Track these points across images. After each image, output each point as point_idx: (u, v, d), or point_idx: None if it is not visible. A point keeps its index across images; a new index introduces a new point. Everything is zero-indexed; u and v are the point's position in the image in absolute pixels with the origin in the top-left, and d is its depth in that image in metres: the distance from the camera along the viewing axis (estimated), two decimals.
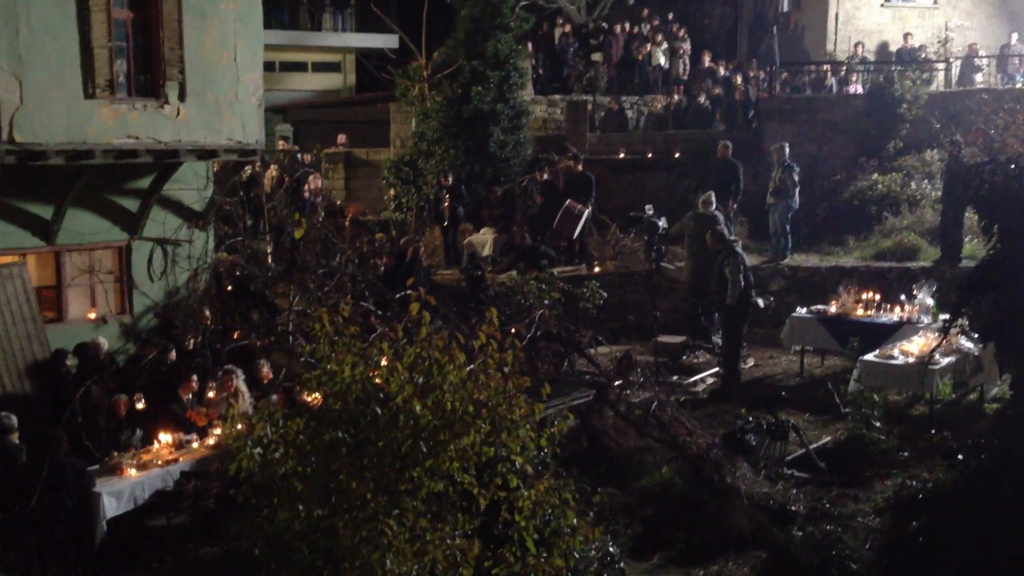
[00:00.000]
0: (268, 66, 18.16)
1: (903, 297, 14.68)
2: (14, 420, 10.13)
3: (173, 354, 12.55)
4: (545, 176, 18.53)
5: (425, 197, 19.59)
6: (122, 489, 9.98)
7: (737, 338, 14.25)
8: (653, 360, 14.74)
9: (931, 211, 18.14)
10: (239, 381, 11.75)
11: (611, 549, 9.03)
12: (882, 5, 25.05)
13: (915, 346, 12.88)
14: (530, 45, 22.94)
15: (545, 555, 7.14)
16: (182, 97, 13.43)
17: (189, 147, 13.58)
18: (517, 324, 12.92)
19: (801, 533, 9.69)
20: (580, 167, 18.48)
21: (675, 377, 14.64)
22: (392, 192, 20.26)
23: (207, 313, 13.92)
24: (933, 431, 11.87)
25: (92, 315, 13.98)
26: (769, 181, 17.62)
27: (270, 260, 13.97)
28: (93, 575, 9.61)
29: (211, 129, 13.83)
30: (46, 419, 11.02)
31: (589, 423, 11.90)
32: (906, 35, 23.43)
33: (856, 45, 23.39)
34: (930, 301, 14.17)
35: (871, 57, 23.75)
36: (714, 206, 15.83)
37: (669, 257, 17.12)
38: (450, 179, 18.54)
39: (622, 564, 9.10)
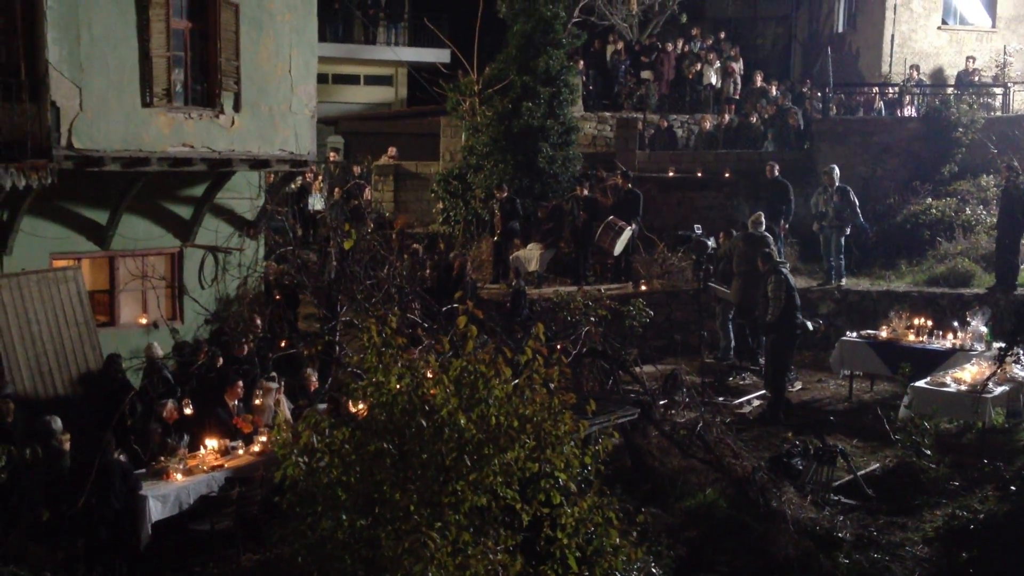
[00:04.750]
0: (321, 78, 18.36)
1: (956, 324, 14.45)
2: (59, 423, 10.26)
3: (220, 360, 12.67)
4: (586, 192, 18.48)
5: (473, 211, 19.63)
6: (168, 493, 10.08)
7: (785, 361, 14.11)
8: (699, 380, 14.62)
9: (986, 237, 17.86)
10: (281, 392, 11.91)
11: (654, 570, 8.95)
12: (939, 28, 24.73)
13: (968, 374, 12.65)
14: (581, 62, 22.95)
15: (587, 573, 7.10)
16: (237, 107, 13.61)
17: (242, 157, 13.75)
18: (563, 340, 12.87)
19: (848, 561, 9.54)
20: (628, 184, 18.43)
21: (721, 398, 14.49)
22: (440, 205, 20.35)
23: (258, 321, 14.05)
24: (985, 460, 11.64)
25: (143, 320, 14.17)
26: (823, 204, 17.43)
27: (332, 267, 14.03)
28: None
29: (264, 139, 13.99)
30: (97, 422, 11.15)
31: (633, 442, 11.83)
32: (969, 58, 23.13)
33: (911, 68, 23.13)
34: (984, 328, 13.93)
35: (927, 80, 23.47)
36: (764, 226, 15.71)
37: (717, 277, 17.00)
38: (504, 193, 18.51)
39: None
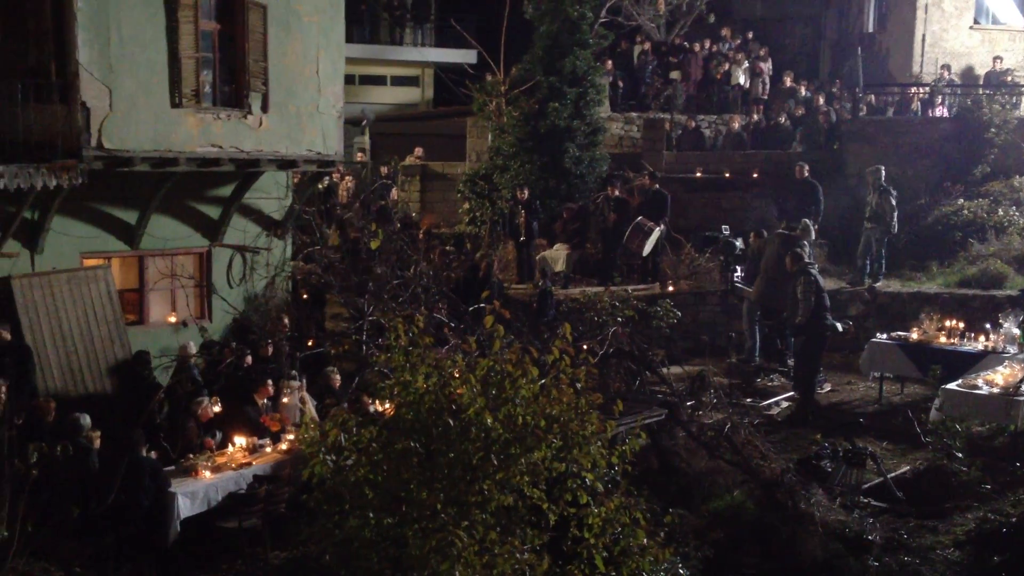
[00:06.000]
0: (348, 79, 18.38)
1: (988, 326, 14.30)
2: (88, 420, 10.33)
3: (249, 359, 12.74)
4: (616, 192, 18.45)
5: (499, 211, 19.63)
6: (196, 490, 10.12)
7: (814, 362, 14.01)
8: (727, 381, 14.54)
9: (1019, 238, 17.71)
10: (304, 391, 11.97)
11: (681, 571, 8.89)
12: (971, 27, 24.46)
13: (1000, 376, 12.51)
14: (609, 62, 22.89)
15: (614, 574, 7.06)
16: (265, 108, 13.67)
17: (270, 157, 13.81)
18: (590, 340, 12.84)
19: (877, 564, 9.45)
20: (655, 185, 18.37)
21: (749, 399, 14.41)
22: (466, 205, 20.35)
23: (285, 320, 14.11)
24: (1017, 463, 11.51)
25: (172, 319, 14.26)
26: (863, 205, 17.29)
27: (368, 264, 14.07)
28: (165, 573, 9.74)
29: (292, 140, 14.04)
30: (126, 419, 11.23)
31: (660, 443, 11.78)
32: (996, 58, 22.91)
33: (943, 68, 22.92)
34: (1016, 330, 13.76)
35: (958, 80, 23.23)
36: (812, 236, 15.60)
37: (745, 278, 16.90)
38: (526, 194, 18.54)
39: None
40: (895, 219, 16.94)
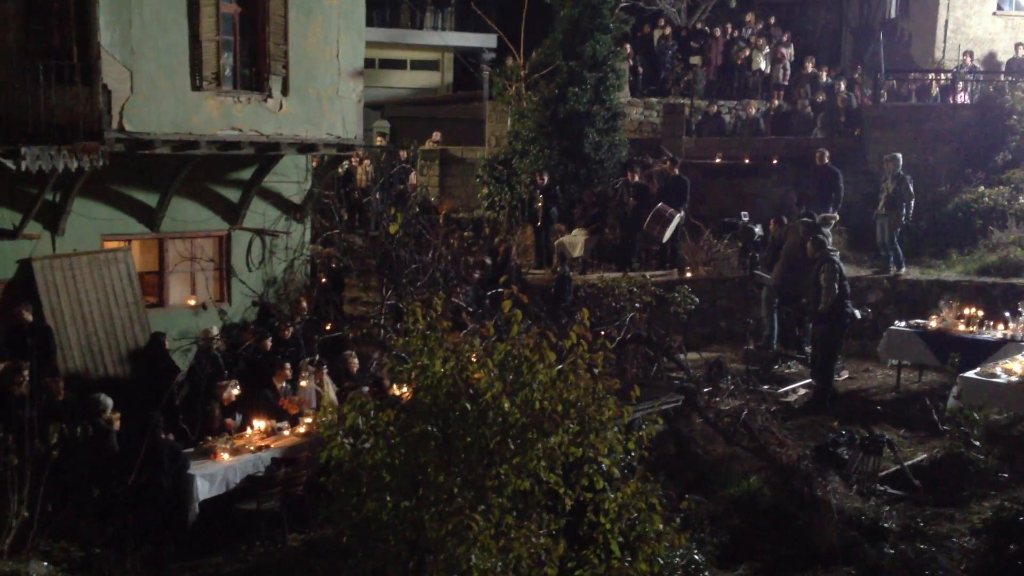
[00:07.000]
0: (368, 63, 18.37)
1: (1007, 314, 14.21)
2: (109, 401, 10.41)
3: (268, 342, 12.81)
4: (637, 178, 18.41)
5: (518, 196, 19.63)
6: (215, 472, 10.20)
7: (833, 350, 13.96)
8: (744, 368, 14.52)
9: None
10: (324, 374, 12.04)
11: (696, 557, 8.92)
12: (994, 14, 24.24)
13: (1019, 365, 12.44)
14: (629, 47, 22.80)
15: (629, 559, 7.07)
16: (285, 91, 13.71)
17: (290, 140, 13.85)
18: (608, 326, 12.85)
19: (893, 551, 9.43)
20: (676, 171, 18.31)
21: (766, 386, 14.38)
22: (485, 190, 20.35)
23: (304, 304, 14.18)
24: None
25: (192, 302, 14.35)
26: (878, 191, 17.20)
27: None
28: (184, 554, 9.84)
29: (312, 123, 14.08)
30: (145, 401, 11.31)
31: (677, 429, 11.78)
32: (1017, 45, 22.68)
33: (965, 54, 22.71)
34: None
35: (980, 66, 23.03)
36: (831, 227, 15.54)
37: (763, 265, 16.84)
38: (545, 179, 18.54)
39: (707, 573, 8.98)
40: (911, 208, 16.84)
